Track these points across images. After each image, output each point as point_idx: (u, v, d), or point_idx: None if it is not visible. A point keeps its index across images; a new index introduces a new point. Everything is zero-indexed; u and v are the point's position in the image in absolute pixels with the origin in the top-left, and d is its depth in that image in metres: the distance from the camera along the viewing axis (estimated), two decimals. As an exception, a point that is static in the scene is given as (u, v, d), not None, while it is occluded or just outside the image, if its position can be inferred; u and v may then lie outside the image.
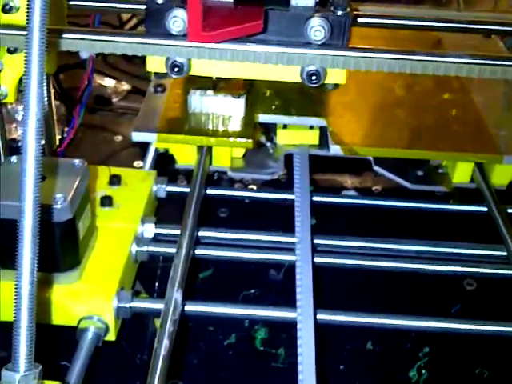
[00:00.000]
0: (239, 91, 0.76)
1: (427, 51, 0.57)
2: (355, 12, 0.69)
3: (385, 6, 0.83)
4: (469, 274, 0.64)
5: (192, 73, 0.58)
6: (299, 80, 0.58)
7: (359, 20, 0.68)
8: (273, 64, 0.56)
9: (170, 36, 0.55)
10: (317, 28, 0.54)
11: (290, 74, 0.58)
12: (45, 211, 0.48)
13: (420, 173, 0.76)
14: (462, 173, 0.74)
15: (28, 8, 0.39)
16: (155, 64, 0.58)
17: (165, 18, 0.54)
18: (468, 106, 0.80)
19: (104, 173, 0.66)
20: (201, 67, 0.58)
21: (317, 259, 0.61)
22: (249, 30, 0.53)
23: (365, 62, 0.56)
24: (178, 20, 0.54)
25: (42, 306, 0.53)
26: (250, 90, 0.77)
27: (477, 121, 0.77)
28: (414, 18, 0.70)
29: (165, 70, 0.57)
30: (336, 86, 0.60)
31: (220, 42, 0.55)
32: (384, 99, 0.81)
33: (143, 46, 0.56)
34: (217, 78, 0.75)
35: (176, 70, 0.56)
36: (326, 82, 0.58)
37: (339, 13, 0.55)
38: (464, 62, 0.56)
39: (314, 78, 0.57)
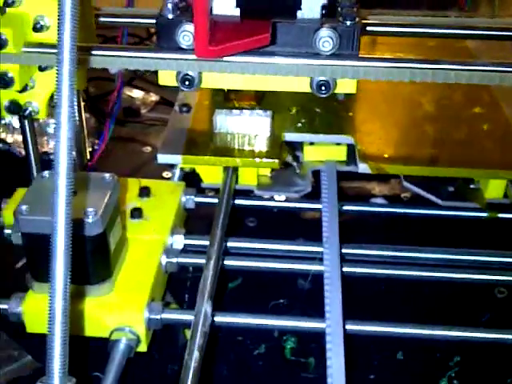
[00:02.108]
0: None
1: (437, 59, 0.57)
2: (365, 21, 0.69)
3: (394, 13, 0.83)
4: (500, 283, 0.63)
5: (203, 86, 0.58)
6: (309, 90, 0.58)
7: (369, 29, 0.68)
8: (283, 76, 0.56)
9: (180, 50, 0.55)
10: (325, 39, 0.55)
11: (300, 84, 0.58)
12: (76, 225, 0.50)
13: (451, 188, 0.75)
14: (495, 188, 0.72)
15: (58, 27, 0.40)
16: (167, 77, 0.58)
17: (175, 32, 0.55)
18: (499, 120, 0.78)
19: (134, 185, 0.67)
20: (211, 80, 0.58)
21: (345, 269, 0.62)
22: (256, 43, 0.53)
23: (374, 71, 0.56)
24: (187, 34, 0.54)
25: (74, 318, 0.53)
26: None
27: (508, 136, 0.76)
28: (423, 25, 0.70)
29: (176, 84, 0.57)
30: (347, 95, 0.59)
31: (230, 56, 0.55)
32: (412, 115, 0.80)
33: (154, 61, 0.56)
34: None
35: (187, 83, 0.57)
36: (336, 91, 0.58)
37: (348, 23, 0.55)
38: (473, 70, 0.56)
39: (323, 88, 0.57)
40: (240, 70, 0.56)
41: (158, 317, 0.55)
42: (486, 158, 0.73)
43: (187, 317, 0.55)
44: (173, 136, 0.76)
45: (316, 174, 0.76)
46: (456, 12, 0.89)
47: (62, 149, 0.40)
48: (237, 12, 0.55)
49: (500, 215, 0.71)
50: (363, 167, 0.71)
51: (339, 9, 0.56)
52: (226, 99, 0.78)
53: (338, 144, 0.76)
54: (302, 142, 0.77)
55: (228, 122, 0.74)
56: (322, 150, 0.77)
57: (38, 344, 0.56)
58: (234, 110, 0.75)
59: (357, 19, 0.55)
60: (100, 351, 0.54)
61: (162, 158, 0.73)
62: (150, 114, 0.94)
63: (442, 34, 0.72)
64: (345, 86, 0.58)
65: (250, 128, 0.75)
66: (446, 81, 0.56)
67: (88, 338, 0.55)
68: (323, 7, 0.55)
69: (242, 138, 0.74)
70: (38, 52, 0.56)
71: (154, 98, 0.96)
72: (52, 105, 0.62)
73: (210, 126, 0.75)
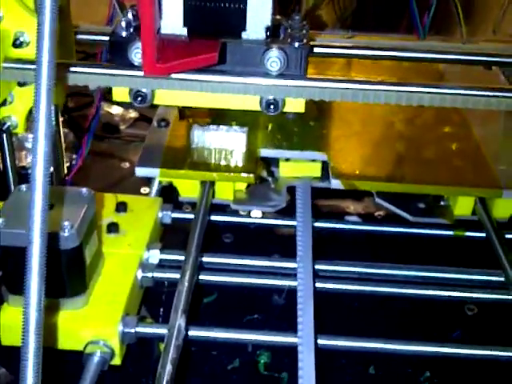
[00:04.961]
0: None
1: (381, 80, 0.58)
2: (313, 43, 0.71)
3: (382, 36, 0.85)
4: (469, 300, 0.65)
5: (155, 102, 0.59)
6: (259, 109, 0.59)
7: (317, 50, 0.71)
8: (232, 94, 0.58)
9: (132, 67, 0.56)
10: (273, 59, 0.56)
11: (250, 103, 0.59)
12: (52, 239, 0.50)
13: (421, 205, 0.76)
14: (463, 205, 0.75)
15: (37, 43, 0.41)
16: (120, 93, 0.59)
17: (127, 49, 0.56)
18: (468, 139, 0.81)
19: (111, 200, 0.67)
20: (164, 97, 0.59)
21: (318, 284, 0.63)
22: (204, 61, 0.55)
23: (321, 92, 0.57)
24: (139, 51, 0.55)
25: (49, 330, 0.54)
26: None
27: (477, 155, 0.78)
28: (371, 47, 0.72)
29: (129, 100, 0.58)
30: (296, 114, 0.61)
31: (179, 73, 0.56)
32: (385, 133, 0.82)
33: (105, 78, 0.57)
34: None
35: (139, 99, 0.58)
36: (285, 110, 0.59)
37: (296, 45, 0.56)
38: (425, 92, 0.57)
39: (272, 107, 0.58)
40: (190, 88, 0.57)
41: (133, 330, 0.55)
42: (455, 175, 0.75)
43: (161, 330, 0.55)
44: (151, 150, 0.77)
45: (291, 189, 0.77)
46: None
47: (38, 163, 0.41)
48: (184, 31, 0.57)
49: (468, 234, 0.73)
50: (336, 183, 0.73)
51: (289, 30, 0.58)
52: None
53: (313, 160, 0.78)
54: (278, 158, 0.79)
55: (205, 137, 0.76)
56: (297, 166, 0.78)
57: (12, 356, 0.56)
58: (211, 126, 0.76)
59: (305, 41, 0.57)
60: (74, 364, 0.55)
61: (140, 171, 0.74)
62: (128, 130, 0.95)
63: (390, 57, 0.74)
64: (294, 106, 0.59)
65: (226, 143, 0.76)
66: (388, 101, 0.58)
67: (63, 350, 0.55)
68: (267, 29, 0.57)
69: (219, 152, 0.76)
70: (18, 68, 0.57)
71: (133, 114, 0.97)
72: (30, 120, 0.62)
73: (188, 141, 0.77)
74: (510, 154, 0.79)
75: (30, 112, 0.61)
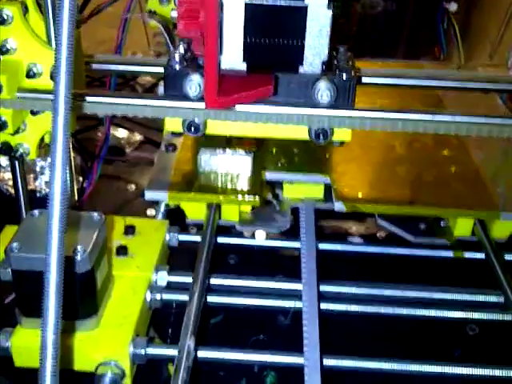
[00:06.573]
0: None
1: (430, 110, 0.60)
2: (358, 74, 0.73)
3: (383, 63, 0.87)
4: (471, 320, 0.66)
5: (207, 132, 0.61)
6: (308, 138, 0.61)
7: (364, 81, 0.72)
8: (283, 124, 0.59)
9: (186, 99, 0.58)
10: (323, 91, 0.58)
11: (299, 132, 0.61)
12: (66, 262, 0.52)
13: (422, 226, 0.78)
14: (463, 226, 0.76)
15: (54, 77, 0.43)
16: (173, 124, 0.61)
17: (182, 82, 0.58)
18: (466, 162, 0.83)
19: (119, 223, 0.69)
20: (215, 127, 0.61)
21: (323, 306, 0.64)
22: (260, 94, 0.57)
23: (369, 122, 0.59)
24: (194, 84, 0.57)
25: (62, 352, 0.55)
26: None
27: (475, 177, 0.80)
28: (415, 76, 0.74)
29: (182, 130, 0.60)
30: (342, 142, 0.63)
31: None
32: (386, 156, 0.85)
33: (163, 109, 0.59)
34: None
35: (193, 129, 0.60)
36: (332, 139, 0.61)
37: (344, 76, 0.58)
38: (465, 122, 0.59)
39: (321, 136, 0.60)
40: (244, 119, 0.59)
41: (143, 352, 0.56)
42: (454, 198, 0.77)
43: (171, 352, 0.57)
44: (159, 174, 0.79)
45: (295, 211, 0.79)
46: (429, 61, 0.94)
47: (56, 192, 0.42)
48: (243, 67, 0.59)
49: (468, 255, 0.74)
50: (339, 206, 0.75)
51: (335, 62, 0.60)
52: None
53: (316, 183, 0.80)
54: (282, 181, 0.81)
55: (212, 161, 0.78)
56: (301, 189, 0.80)
57: (25, 378, 0.57)
58: (217, 150, 0.78)
59: (352, 72, 0.58)
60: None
61: (149, 195, 0.76)
62: (134, 152, 0.97)
63: (438, 87, 0.76)
64: (341, 135, 0.61)
65: (232, 167, 0.78)
66: (436, 132, 0.59)
67: (74, 372, 0.56)
68: (323, 63, 0.59)
69: (225, 176, 0.78)
70: (32, 98, 0.59)
71: (138, 137, 0.98)
72: (42, 146, 0.64)
73: (195, 165, 0.79)
74: (508, 176, 0.81)
75: (42, 139, 0.63)
